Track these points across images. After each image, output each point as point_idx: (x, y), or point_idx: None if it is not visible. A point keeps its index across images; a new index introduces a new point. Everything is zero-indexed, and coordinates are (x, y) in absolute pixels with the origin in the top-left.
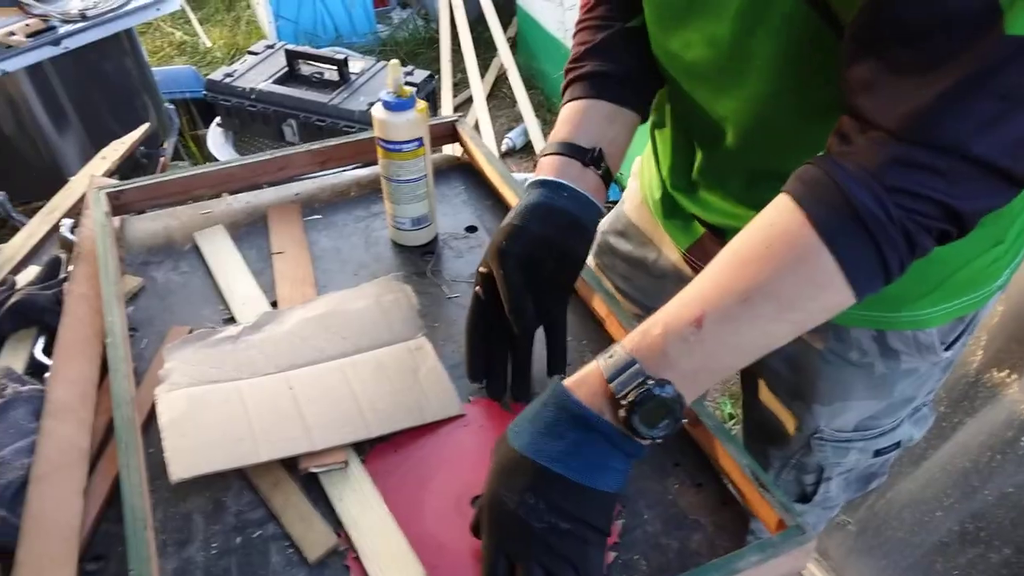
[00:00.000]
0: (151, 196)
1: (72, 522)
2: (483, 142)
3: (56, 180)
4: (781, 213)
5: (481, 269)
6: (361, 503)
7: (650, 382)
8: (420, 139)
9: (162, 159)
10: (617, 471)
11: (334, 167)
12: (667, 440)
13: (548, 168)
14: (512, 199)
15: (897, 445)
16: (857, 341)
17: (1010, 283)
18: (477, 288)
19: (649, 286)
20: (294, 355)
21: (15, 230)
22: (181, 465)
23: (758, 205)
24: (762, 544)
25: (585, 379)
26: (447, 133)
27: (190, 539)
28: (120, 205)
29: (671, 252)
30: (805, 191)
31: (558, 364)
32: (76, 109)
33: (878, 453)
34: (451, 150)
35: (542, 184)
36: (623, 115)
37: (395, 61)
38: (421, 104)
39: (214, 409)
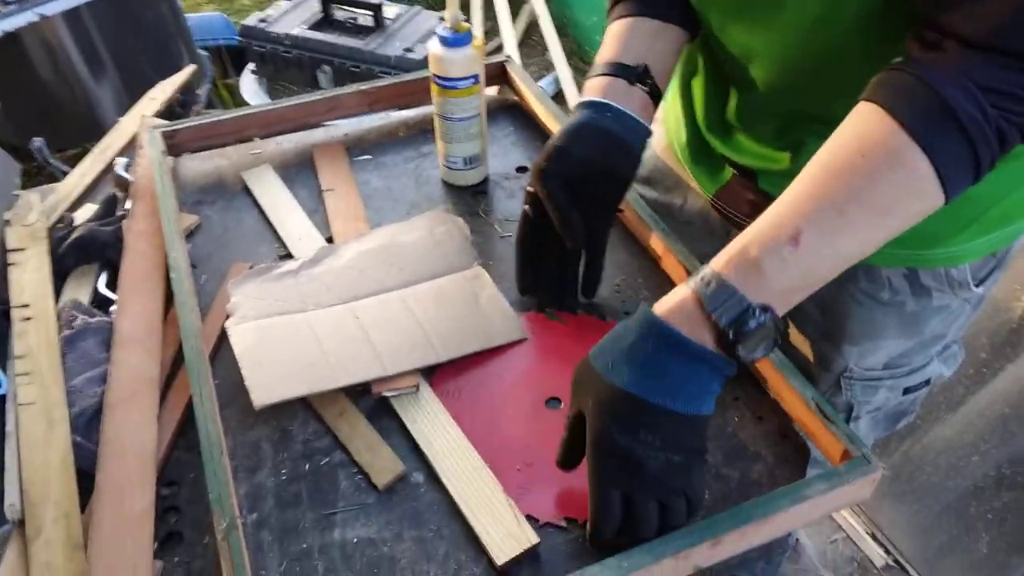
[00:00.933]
0: (204, 136)
1: (148, 446)
2: (533, 82)
3: (93, 127)
4: (869, 121)
5: (528, 188)
6: (433, 424)
7: (754, 310)
8: (476, 76)
9: (195, 107)
10: (715, 393)
11: (383, 108)
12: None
13: (593, 89)
14: None
15: (927, 383)
16: (888, 280)
17: None
18: (526, 207)
19: (675, 233)
20: (355, 287)
21: (53, 177)
22: (262, 391)
23: (793, 147)
24: (829, 473)
25: (681, 307)
26: (496, 73)
27: (260, 465)
28: (174, 144)
29: (697, 199)
30: (893, 96)
31: (591, 287)
32: (112, 55)
33: (907, 391)
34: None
35: (587, 105)
36: (670, 31)
37: None
38: (478, 40)
39: (286, 339)
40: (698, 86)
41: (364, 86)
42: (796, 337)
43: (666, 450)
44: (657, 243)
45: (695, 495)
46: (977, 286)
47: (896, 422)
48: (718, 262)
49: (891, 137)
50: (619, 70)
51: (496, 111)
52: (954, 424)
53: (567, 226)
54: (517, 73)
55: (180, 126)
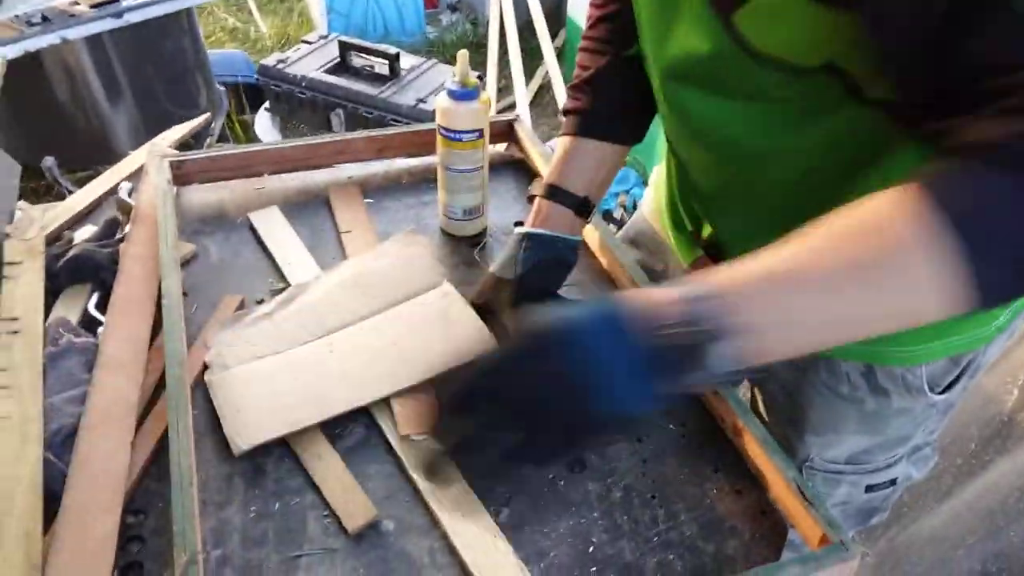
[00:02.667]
0: (210, 169)
1: (119, 472)
2: (539, 142)
3: (105, 151)
4: (903, 201)
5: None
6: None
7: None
8: (480, 130)
9: (208, 139)
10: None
11: (390, 156)
12: (707, 446)
13: (543, 216)
14: None
15: (892, 483)
16: (847, 375)
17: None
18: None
19: None
20: (329, 320)
21: (61, 196)
22: (242, 437)
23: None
24: (804, 557)
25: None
26: (503, 131)
27: (229, 500)
28: (180, 174)
29: (678, 265)
30: (943, 188)
31: None
32: (130, 83)
33: (870, 489)
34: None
35: (535, 240)
36: (613, 152)
37: (464, 51)
38: (485, 96)
39: (263, 382)
40: (672, 166)
41: (373, 133)
42: (768, 416)
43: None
44: None
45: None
46: (940, 393)
47: (868, 518)
48: (734, 277)
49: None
50: (567, 198)
51: (500, 167)
52: (941, 515)
53: None
54: (524, 132)
55: (187, 157)
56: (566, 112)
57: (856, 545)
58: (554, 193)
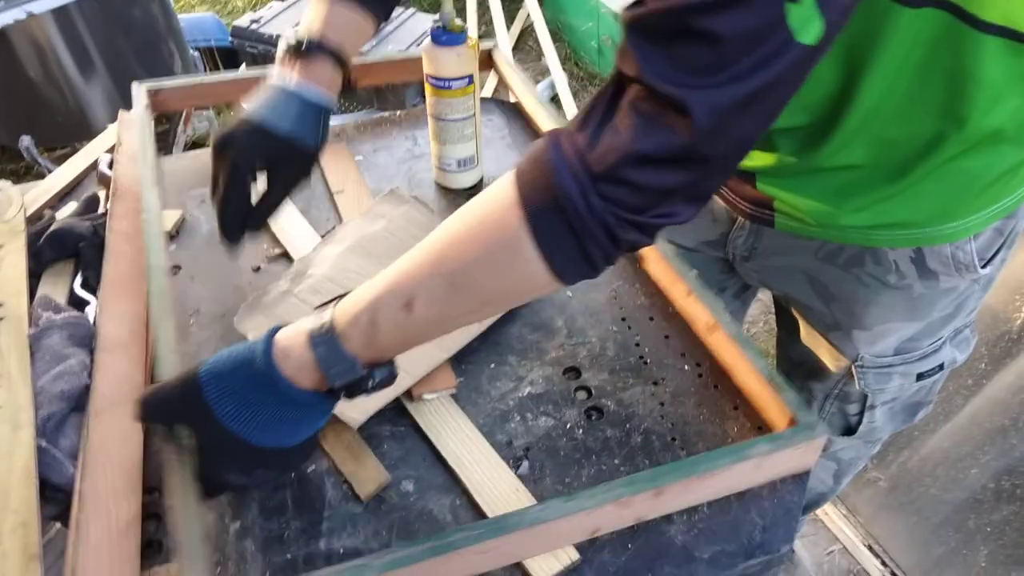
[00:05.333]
0: (189, 96)
1: (134, 456)
2: (520, 71)
3: (82, 126)
4: (502, 185)
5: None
6: (456, 435)
7: (372, 376)
8: (470, 76)
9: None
10: (319, 423)
11: (371, 83)
12: (724, 384)
13: (305, 71)
14: None
15: (940, 367)
16: (895, 263)
17: None
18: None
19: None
20: (354, 286)
21: (41, 176)
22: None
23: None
24: (773, 436)
25: (298, 357)
26: (481, 61)
27: None
28: (159, 101)
29: None
30: (525, 166)
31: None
32: (101, 54)
33: (920, 377)
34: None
35: (279, 89)
36: (364, 21)
37: None
38: (472, 39)
39: None
40: None
41: (367, 61)
42: (805, 331)
43: (259, 470)
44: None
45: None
46: (984, 267)
47: (914, 414)
48: (343, 310)
49: (509, 213)
50: (323, 52)
51: (488, 111)
52: (952, 435)
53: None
54: (504, 61)
55: (166, 84)
56: None
57: (822, 424)
58: (317, 47)
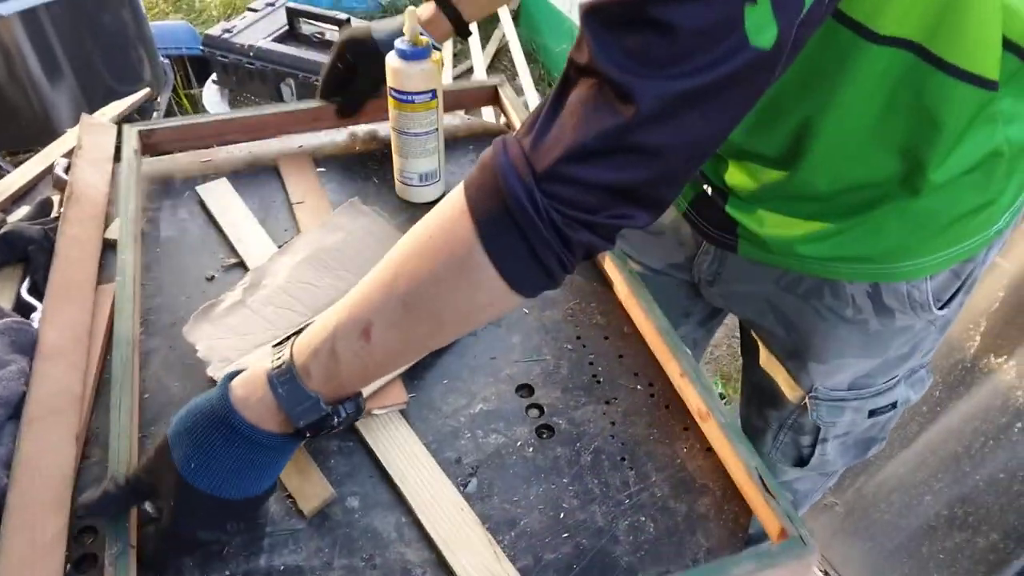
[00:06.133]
0: (182, 137)
1: (65, 468)
2: (523, 108)
3: (46, 130)
4: (451, 198)
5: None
6: (401, 450)
7: (336, 411)
8: (433, 91)
9: (155, 114)
10: (284, 462)
11: (366, 121)
12: (676, 405)
13: (427, 19)
14: None
15: (893, 406)
16: (852, 297)
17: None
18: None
19: (641, 243)
20: (310, 300)
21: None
22: None
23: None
24: (760, 552)
25: (259, 397)
26: (489, 97)
27: None
28: (151, 144)
29: (668, 211)
30: (474, 175)
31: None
32: (70, 59)
33: (872, 413)
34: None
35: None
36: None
37: (412, 8)
38: (436, 55)
39: None
40: None
41: None
42: (765, 358)
43: (230, 522)
44: (611, 268)
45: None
46: (940, 308)
47: (866, 449)
48: (301, 346)
49: (459, 224)
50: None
51: (461, 137)
52: (907, 462)
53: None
54: (509, 98)
55: (159, 126)
56: None
57: (813, 541)
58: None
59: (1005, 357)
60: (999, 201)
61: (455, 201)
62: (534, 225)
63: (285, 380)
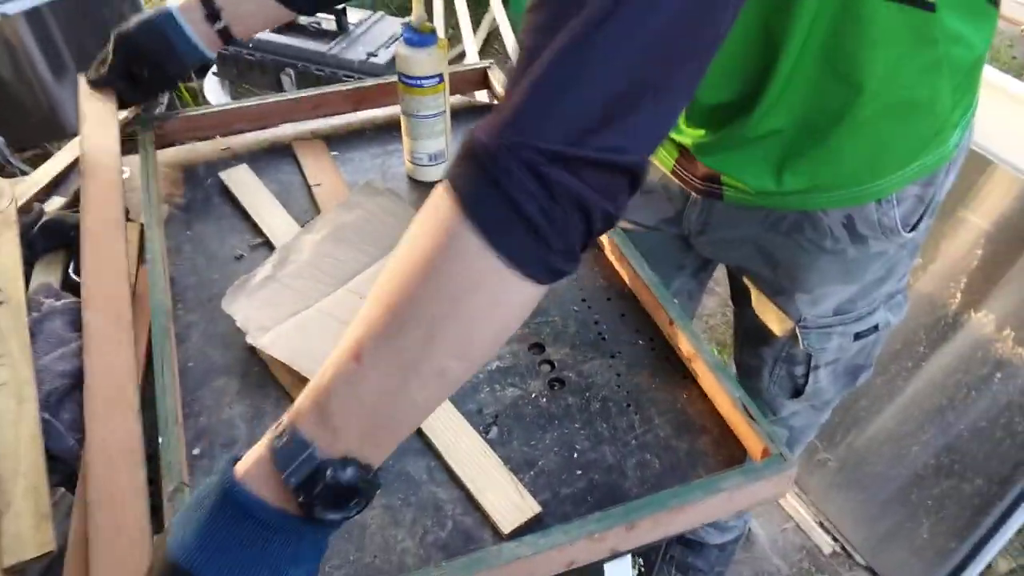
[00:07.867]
0: (193, 127)
1: (135, 450)
2: None
3: (54, 127)
4: (434, 191)
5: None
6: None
7: (328, 469)
8: (440, 75)
9: (157, 108)
10: (308, 560)
11: (367, 107)
12: (676, 356)
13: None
14: None
15: (875, 328)
16: (830, 229)
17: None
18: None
19: (632, 202)
20: (339, 272)
21: (13, 177)
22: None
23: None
24: (745, 469)
25: (259, 466)
26: (478, 79)
27: (233, 442)
28: (162, 135)
29: (656, 170)
30: (453, 160)
31: None
32: (74, 56)
33: (858, 336)
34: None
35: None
36: (276, 10)
37: None
38: (442, 40)
39: (317, 333)
40: None
41: (350, 87)
42: (755, 299)
43: None
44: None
45: None
46: (909, 231)
47: (855, 377)
48: (297, 406)
49: (441, 202)
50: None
51: (463, 113)
52: (895, 415)
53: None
54: (499, 80)
55: (170, 117)
56: None
57: (793, 457)
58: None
59: (984, 311)
60: (949, 118)
61: (436, 192)
62: (510, 173)
63: (282, 432)
